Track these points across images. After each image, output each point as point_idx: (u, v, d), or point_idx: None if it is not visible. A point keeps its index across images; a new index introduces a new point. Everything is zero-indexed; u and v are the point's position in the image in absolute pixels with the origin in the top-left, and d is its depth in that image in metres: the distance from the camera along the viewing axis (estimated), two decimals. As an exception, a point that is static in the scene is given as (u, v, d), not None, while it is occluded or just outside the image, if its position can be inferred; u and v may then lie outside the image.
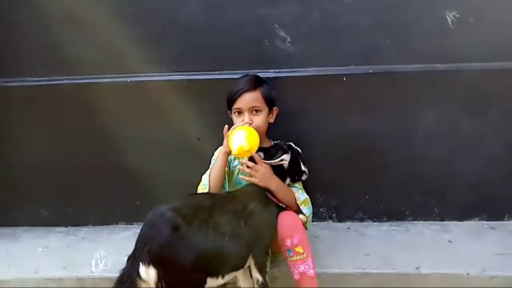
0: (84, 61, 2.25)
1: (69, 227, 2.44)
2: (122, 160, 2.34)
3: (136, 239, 2.07)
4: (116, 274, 1.94)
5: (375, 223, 2.31)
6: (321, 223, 2.32)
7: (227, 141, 1.76)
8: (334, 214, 2.32)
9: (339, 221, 2.32)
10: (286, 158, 1.78)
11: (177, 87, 2.22)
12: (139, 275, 1.37)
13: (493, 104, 2.16)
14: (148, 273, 1.37)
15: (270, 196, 1.74)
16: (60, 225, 2.44)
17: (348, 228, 2.28)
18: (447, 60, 2.13)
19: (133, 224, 2.42)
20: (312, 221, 2.25)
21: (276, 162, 1.77)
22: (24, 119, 2.33)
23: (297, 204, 1.82)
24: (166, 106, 2.25)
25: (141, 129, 2.29)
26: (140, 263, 1.38)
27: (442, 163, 2.23)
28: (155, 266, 1.37)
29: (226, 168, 1.87)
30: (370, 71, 2.15)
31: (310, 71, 2.18)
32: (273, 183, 1.77)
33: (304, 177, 1.91)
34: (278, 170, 1.80)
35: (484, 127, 2.18)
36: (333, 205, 2.31)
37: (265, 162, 1.78)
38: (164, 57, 2.21)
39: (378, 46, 2.13)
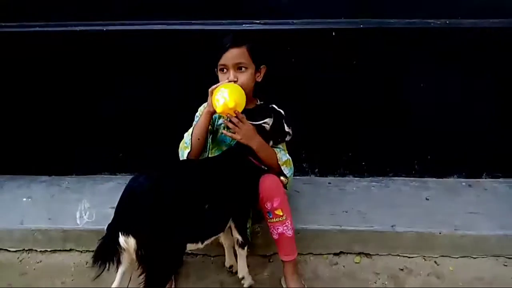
0: None
1: (52, 176, 2.44)
2: (103, 112, 2.28)
3: (119, 191, 2.10)
4: (100, 227, 2.02)
5: (356, 178, 2.35)
6: (304, 177, 2.35)
7: (211, 99, 1.72)
8: (317, 169, 2.35)
9: (321, 175, 2.36)
10: (268, 121, 1.75)
11: (157, 38, 2.11)
12: (118, 244, 1.40)
13: (482, 62, 2.11)
14: (127, 242, 1.40)
15: (252, 159, 1.74)
16: (43, 175, 2.45)
17: (329, 183, 2.31)
18: (441, 16, 2.03)
19: (116, 175, 2.43)
20: (295, 175, 2.29)
21: (259, 123, 1.74)
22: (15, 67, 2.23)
23: (279, 165, 1.82)
24: (146, 58, 2.15)
25: (119, 82, 2.21)
26: (119, 232, 1.40)
27: (426, 121, 2.22)
28: (134, 235, 1.39)
29: (210, 127, 1.84)
30: (361, 26, 2.05)
31: (297, 23, 2.07)
32: (255, 141, 1.74)
33: (287, 138, 1.89)
34: (261, 133, 1.77)
35: (471, 86, 2.15)
36: (316, 160, 2.33)
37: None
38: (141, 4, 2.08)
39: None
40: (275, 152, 1.82)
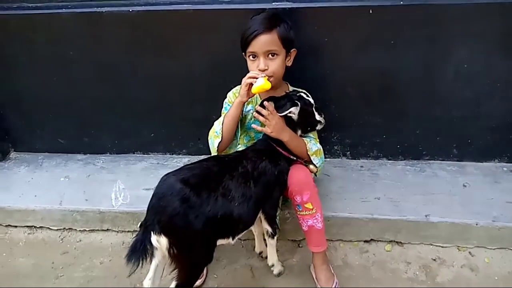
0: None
1: (88, 154, 2.51)
2: (134, 93, 2.28)
3: (151, 172, 2.31)
4: (134, 209, 2.10)
5: (390, 161, 2.27)
6: (335, 160, 2.30)
7: (245, 89, 1.68)
8: (348, 152, 2.28)
9: (353, 158, 2.30)
10: (294, 110, 1.69)
11: (183, 18, 2.03)
12: (151, 243, 1.44)
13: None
14: (159, 242, 1.43)
15: (281, 150, 1.70)
16: (79, 153, 2.52)
17: (362, 166, 2.25)
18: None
19: (149, 154, 2.46)
20: (326, 158, 2.25)
21: (284, 114, 1.69)
22: (29, 49, 2.23)
23: (309, 155, 1.78)
24: (173, 38, 2.09)
25: (150, 62, 2.17)
26: (152, 232, 1.44)
27: (467, 103, 2.09)
28: (165, 235, 1.43)
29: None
30: (401, 2, 1.89)
31: (333, 1, 1.93)
32: (285, 134, 1.71)
33: (319, 127, 1.83)
34: (289, 122, 1.73)
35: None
36: (348, 143, 2.26)
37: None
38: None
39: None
40: (305, 143, 1.78)
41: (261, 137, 1.80)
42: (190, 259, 1.51)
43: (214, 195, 1.49)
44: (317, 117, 1.80)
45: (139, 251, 1.41)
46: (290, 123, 1.74)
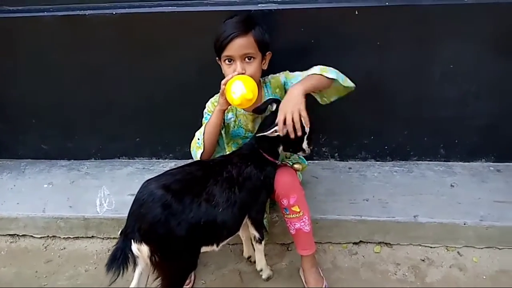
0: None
1: (72, 160, 2.46)
2: (119, 97, 2.24)
3: (137, 177, 2.28)
4: (120, 215, 2.06)
5: (378, 162, 2.27)
6: (323, 162, 2.29)
7: (224, 97, 1.63)
8: (337, 154, 2.28)
9: (341, 160, 2.29)
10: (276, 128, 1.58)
11: (168, 20, 2.01)
12: (131, 252, 1.39)
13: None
14: (140, 250, 1.39)
15: (266, 155, 1.66)
16: (63, 159, 2.46)
17: (350, 168, 2.25)
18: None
19: (134, 159, 2.43)
20: (314, 160, 2.24)
21: (271, 133, 1.59)
22: (12, 53, 2.18)
23: (327, 78, 1.63)
24: (159, 41, 2.07)
25: (135, 66, 2.14)
26: (132, 240, 1.39)
27: (454, 103, 2.10)
28: (146, 243, 1.39)
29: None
30: (387, 3, 1.89)
31: (319, 2, 1.93)
32: (304, 93, 1.53)
33: (301, 154, 1.73)
34: (273, 138, 1.62)
35: (504, 67, 1.99)
36: (336, 145, 2.26)
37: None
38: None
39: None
40: (316, 74, 1.64)
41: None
42: (173, 267, 1.47)
43: (197, 200, 1.44)
44: (304, 145, 1.68)
45: (120, 259, 1.36)
46: (274, 139, 1.63)
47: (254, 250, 1.83)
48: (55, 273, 1.95)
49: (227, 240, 1.60)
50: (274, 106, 1.64)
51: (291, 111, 1.50)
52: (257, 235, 1.71)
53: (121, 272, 1.37)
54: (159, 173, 1.56)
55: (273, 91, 1.80)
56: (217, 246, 1.56)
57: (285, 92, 1.72)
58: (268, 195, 1.70)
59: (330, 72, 1.65)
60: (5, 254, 2.07)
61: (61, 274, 1.94)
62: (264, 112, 1.67)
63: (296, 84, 1.59)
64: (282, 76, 1.81)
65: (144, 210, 1.40)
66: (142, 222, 1.39)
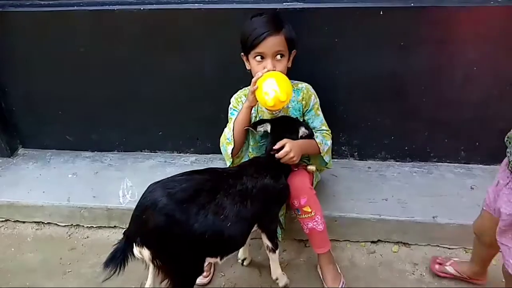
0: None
1: (96, 152, 2.52)
2: (143, 91, 2.29)
3: (159, 169, 2.33)
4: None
5: (397, 163, 2.27)
6: (342, 160, 2.30)
7: (253, 95, 1.62)
8: (356, 153, 2.29)
9: (361, 159, 2.30)
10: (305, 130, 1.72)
11: (194, 17, 2.05)
12: (132, 254, 1.40)
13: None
14: (142, 253, 1.40)
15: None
16: (86, 150, 2.53)
17: (369, 167, 2.26)
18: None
19: (156, 152, 2.47)
20: (333, 159, 2.26)
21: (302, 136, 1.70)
22: (40, 46, 2.24)
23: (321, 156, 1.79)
24: (184, 37, 2.10)
25: (160, 61, 2.19)
26: (134, 243, 1.39)
27: (475, 105, 2.09)
28: (148, 248, 1.38)
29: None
30: (412, 4, 1.89)
31: (343, 2, 1.94)
32: (302, 150, 1.70)
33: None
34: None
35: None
36: (356, 144, 2.27)
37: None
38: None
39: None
40: (318, 145, 1.76)
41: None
42: (177, 272, 1.45)
43: (204, 212, 1.40)
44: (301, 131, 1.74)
45: (118, 259, 1.37)
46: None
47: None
48: (79, 260, 2.01)
49: (231, 254, 1.57)
50: (269, 127, 1.69)
51: (291, 155, 1.62)
52: (270, 245, 1.69)
53: (117, 271, 1.37)
54: (169, 176, 1.50)
55: (300, 99, 1.81)
56: (221, 259, 1.53)
57: (304, 109, 1.83)
58: (281, 205, 1.72)
59: (328, 157, 1.84)
60: (31, 240, 2.14)
61: (85, 262, 2.00)
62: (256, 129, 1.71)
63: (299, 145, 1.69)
64: (314, 99, 1.84)
65: (146, 216, 1.38)
66: (143, 228, 1.39)
